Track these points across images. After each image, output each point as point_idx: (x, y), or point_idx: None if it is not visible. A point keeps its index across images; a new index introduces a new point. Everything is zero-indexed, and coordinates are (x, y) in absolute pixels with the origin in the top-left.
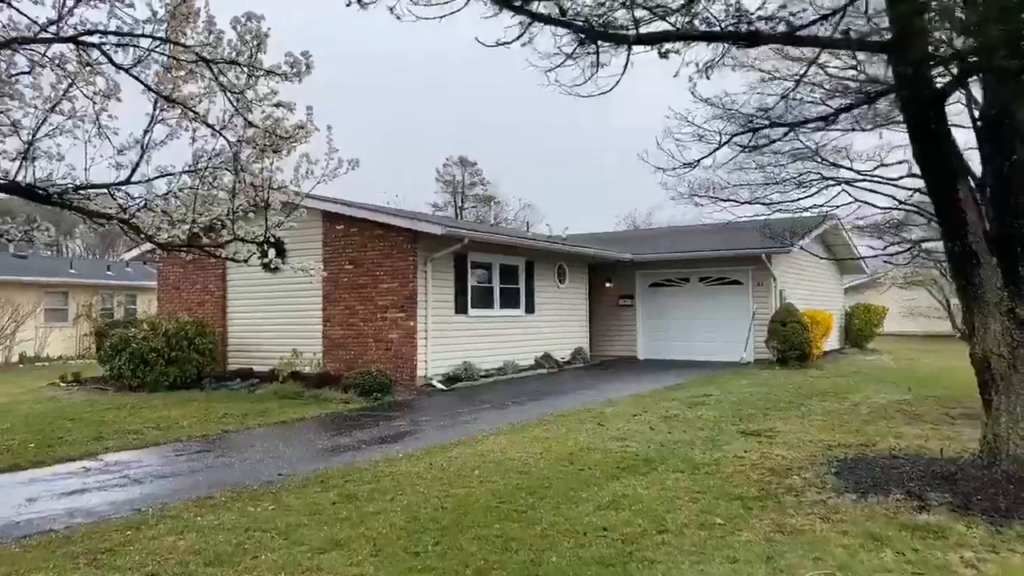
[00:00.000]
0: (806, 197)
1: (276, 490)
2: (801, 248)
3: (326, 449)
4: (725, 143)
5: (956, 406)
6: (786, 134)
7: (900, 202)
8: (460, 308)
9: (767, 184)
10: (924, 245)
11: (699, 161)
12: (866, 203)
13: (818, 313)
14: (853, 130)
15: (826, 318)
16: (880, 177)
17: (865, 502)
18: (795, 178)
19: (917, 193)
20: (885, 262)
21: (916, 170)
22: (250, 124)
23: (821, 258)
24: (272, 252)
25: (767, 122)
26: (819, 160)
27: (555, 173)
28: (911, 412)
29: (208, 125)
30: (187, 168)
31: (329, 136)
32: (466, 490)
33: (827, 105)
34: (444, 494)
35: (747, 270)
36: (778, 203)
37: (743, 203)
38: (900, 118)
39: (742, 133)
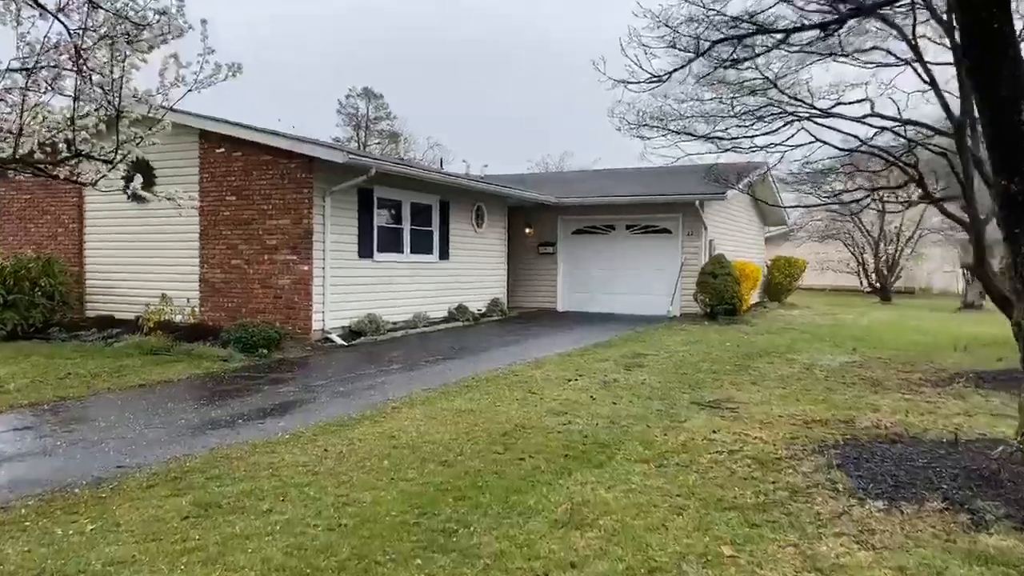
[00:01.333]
0: (766, 133)
1: (106, 494)
2: (741, 191)
3: (191, 426)
4: (705, 52)
5: (911, 370)
6: (779, 43)
7: (862, 141)
8: (364, 252)
9: (724, 117)
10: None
11: (671, 74)
12: (826, 143)
13: (747, 265)
14: (832, 55)
15: (754, 270)
16: (842, 115)
17: (901, 514)
18: (754, 111)
19: (878, 133)
20: (830, 211)
21: (880, 108)
22: (95, 5)
23: (770, 204)
24: (138, 179)
25: (753, 28)
26: (778, 90)
27: (468, 111)
28: (870, 378)
29: (38, 4)
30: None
31: (204, 33)
32: (372, 493)
33: (833, 7)
34: (343, 501)
35: (677, 218)
36: (736, 139)
37: (700, 137)
38: (884, 44)
39: (724, 40)
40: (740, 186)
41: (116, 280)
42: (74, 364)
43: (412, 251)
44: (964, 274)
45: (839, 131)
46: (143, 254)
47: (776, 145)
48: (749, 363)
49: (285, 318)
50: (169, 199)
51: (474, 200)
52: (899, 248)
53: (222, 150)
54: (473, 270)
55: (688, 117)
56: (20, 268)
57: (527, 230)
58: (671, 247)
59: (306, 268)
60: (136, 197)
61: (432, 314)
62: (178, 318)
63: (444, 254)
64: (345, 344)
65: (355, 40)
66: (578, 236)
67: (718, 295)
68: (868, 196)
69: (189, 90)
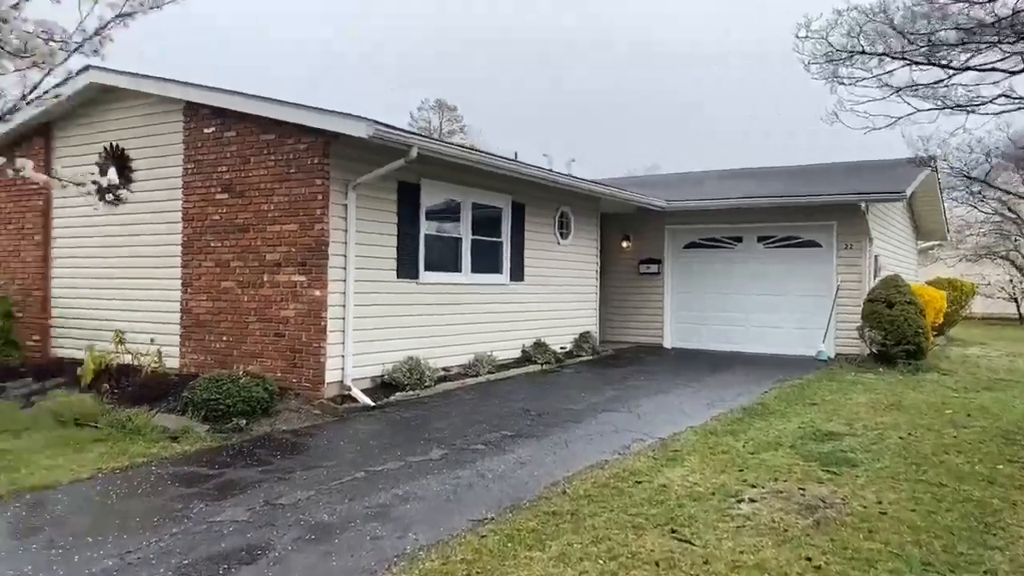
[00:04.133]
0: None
1: None
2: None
3: None
4: None
5: None
6: None
7: None
8: (406, 270)
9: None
10: None
11: None
12: None
13: (926, 290)
14: None
15: (936, 297)
16: None
17: None
18: None
19: None
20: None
21: None
22: None
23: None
24: (112, 172)
25: None
26: None
27: (542, 117)
28: None
29: None
30: None
31: None
32: None
33: None
34: None
35: (830, 227)
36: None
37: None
38: None
39: None
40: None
41: (88, 309)
42: None
43: (473, 269)
44: None
45: None
46: (113, 274)
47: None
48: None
49: (289, 365)
50: (79, 184)
51: (557, 203)
52: None
53: (212, 129)
54: (556, 295)
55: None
56: None
57: (624, 243)
58: (821, 265)
59: (319, 293)
60: (105, 196)
61: (499, 355)
62: (146, 363)
63: (517, 274)
64: (372, 405)
65: (427, 51)
66: (691, 251)
67: (896, 331)
68: None
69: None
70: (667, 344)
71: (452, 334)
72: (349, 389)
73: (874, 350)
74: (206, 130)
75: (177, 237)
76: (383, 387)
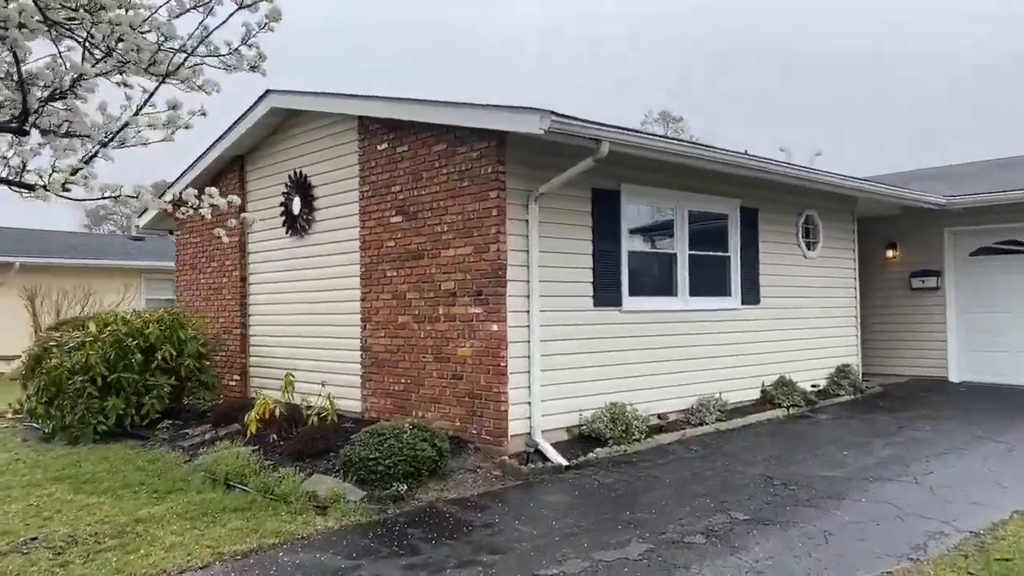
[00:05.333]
0: None
1: None
2: None
3: None
4: None
5: None
6: None
7: None
8: (605, 296)
9: None
10: None
11: None
12: None
13: None
14: None
15: None
16: None
17: None
18: None
19: None
20: None
21: None
22: None
23: None
24: (296, 201)
25: None
26: None
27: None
28: None
29: None
30: None
31: None
32: None
33: None
34: None
35: None
36: None
37: None
38: None
39: None
40: None
41: (276, 347)
42: (94, 497)
43: (692, 292)
44: None
45: None
46: (300, 310)
47: None
48: None
49: (468, 413)
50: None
51: (800, 206)
52: None
53: (384, 145)
54: (802, 320)
55: None
56: (132, 334)
57: (889, 252)
58: None
59: (496, 328)
60: (293, 227)
61: (730, 397)
62: (325, 406)
63: (750, 296)
64: (564, 465)
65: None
66: (982, 258)
67: None
68: None
69: None
70: (953, 377)
71: (667, 372)
72: (537, 444)
73: None
74: (379, 147)
75: (356, 268)
76: (582, 440)
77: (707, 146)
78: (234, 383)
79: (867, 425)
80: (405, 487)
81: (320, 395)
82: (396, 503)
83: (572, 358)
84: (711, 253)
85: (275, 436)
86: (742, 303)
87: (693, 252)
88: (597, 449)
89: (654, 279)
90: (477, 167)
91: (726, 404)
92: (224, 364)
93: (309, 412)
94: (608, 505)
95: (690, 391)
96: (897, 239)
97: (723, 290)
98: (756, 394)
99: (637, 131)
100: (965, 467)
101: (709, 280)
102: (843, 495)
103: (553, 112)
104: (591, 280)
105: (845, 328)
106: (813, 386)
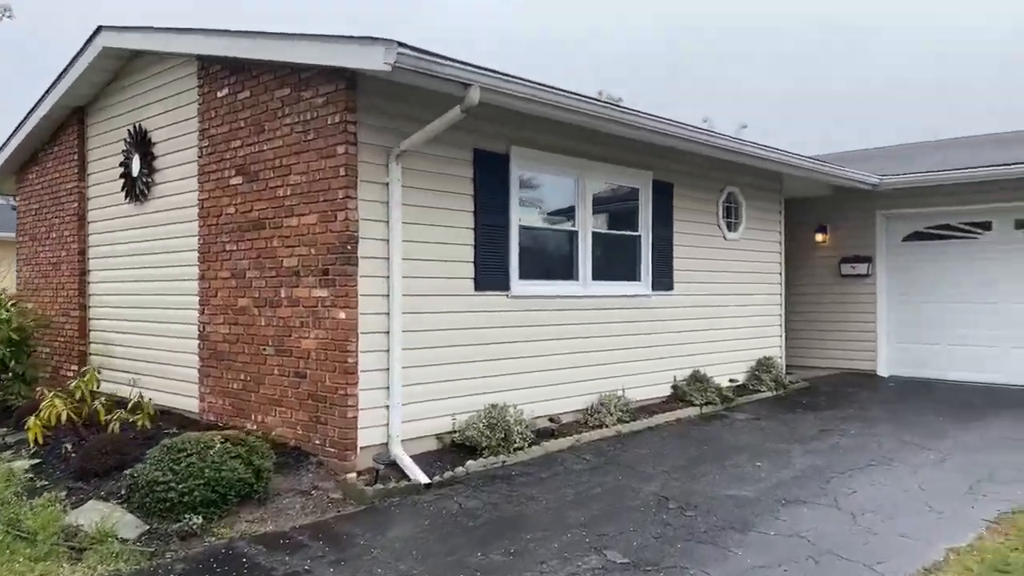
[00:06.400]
0: None
1: None
2: None
3: None
4: None
5: None
6: None
7: None
8: (490, 278)
9: None
10: None
11: None
12: None
13: None
14: None
15: None
16: None
17: None
18: None
19: None
20: None
21: None
22: None
23: None
24: (136, 160)
25: None
26: None
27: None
28: None
29: None
30: None
31: None
32: None
33: None
34: None
35: None
36: None
37: None
38: None
39: None
40: None
41: (118, 334)
42: None
43: (596, 276)
44: None
45: None
46: (135, 290)
47: None
48: None
49: (311, 419)
50: None
51: (722, 182)
52: None
53: (225, 92)
54: (721, 308)
55: None
56: None
57: (817, 236)
58: None
59: (344, 315)
60: (132, 191)
61: (636, 394)
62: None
63: (663, 280)
64: (424, 483)
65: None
66: (914, 244)
67: None
68: None
69: None
70: (882, 371)
71: (563, 367)
72: (393, 458)
73: None
74: (219, 94)
75: (194, 240)
76: (454, 449)
77: (610, 103)
78: (71, 374)
79: (787, 428)
80: (201, 520)
81: (134, 392)
82: (184, 542)
83: (445, 352)
84: (618, 232)
85: (69, 446)
86: (653, 289)
87: (598, 230)
88: (469, 462)
89: (551, 260)
90: (323, 116)
91: (630, 403)
92: (62, 352)
93: (110, 418)
94: (460, 540)
95: (590, 388)
96: (827, 222)
97: (631, 274)
98: (667, 391)
99: (519, 77)
100: (893, 484)
101: (615, 263)
102: (749, 524)
103: (401, 43)
104: (472, 260)
105: (768, 317)
106: (731, 381)
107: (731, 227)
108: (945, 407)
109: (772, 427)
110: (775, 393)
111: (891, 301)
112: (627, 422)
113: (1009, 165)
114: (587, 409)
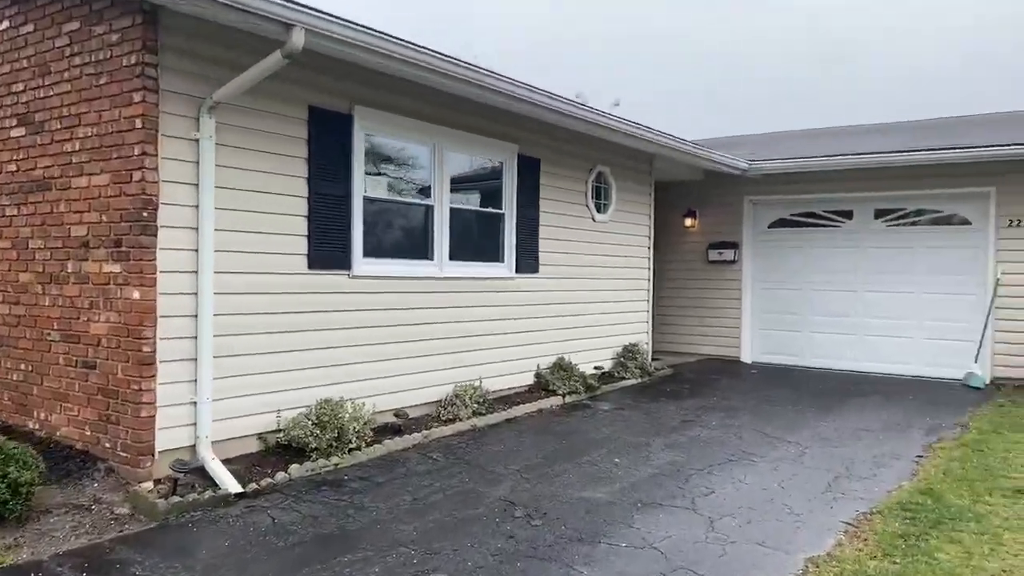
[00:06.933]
0: None
1: None
2: None
3: None
4: None
5: None
6: None
7: None
8: (326, 255)
9: None
10: None
11: None
12: None
13: None
14: None
15: None
16: None
17: None
18: None
19: None
20: None
21: None
22: None
23: None
24: None
25: None
26: None
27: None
28: None
29: None
30: None
31: None
32: None
33: None
34: None
35: (985, 194)
36: None
37: None
38: None
39: None
40: None
41: None
42: None
43: (453, 256)
44: None
45: None
46: None
47: None
48: None
49: (100, 419)
50: None
51: (591, 160)
52: None
53: (6, 25)
54: (588, 292)
55: None
56: None
57: (687, 221)
58: (969, 250)
59: (138, 296)
60: None
61: (496, 384)
62: None
63: (528, 262)
64: (238, 492)
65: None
66: (780, 231)
67: None
68: None
69: None
70: (746, 357)
71: (414, 355)
72: (201, 462)
73: None
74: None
75: None
76: (280, 451)
77: (468, 63)
78: None
79: (649, 418)
80: None
81: None
82: None
83: (270, 339)
84: (481, 209)
85: None
86: (517, 271)
87: (458, 206)
88: (294, 466)
89: (403, 238)
90: (118, 56)
91: (487, 394)
92: None
93: None
94: (262, 566)
95: (445, 378)
96: (697, 207)
97: (494, 255)
98: (530, 379)
99: (355, 23)
100: (752, 482)
101: (477, 242)
102: (600, 534)
103: None
104: (305, 233)
105: (636, 303)
106: (597, 368)
107: (600, 208)
108: (805, 396)
109: (634, 418)
110: (640, 380)
111: (756, 288)
112: (484, 415)
113: (864, 154)
114: (441, 401)
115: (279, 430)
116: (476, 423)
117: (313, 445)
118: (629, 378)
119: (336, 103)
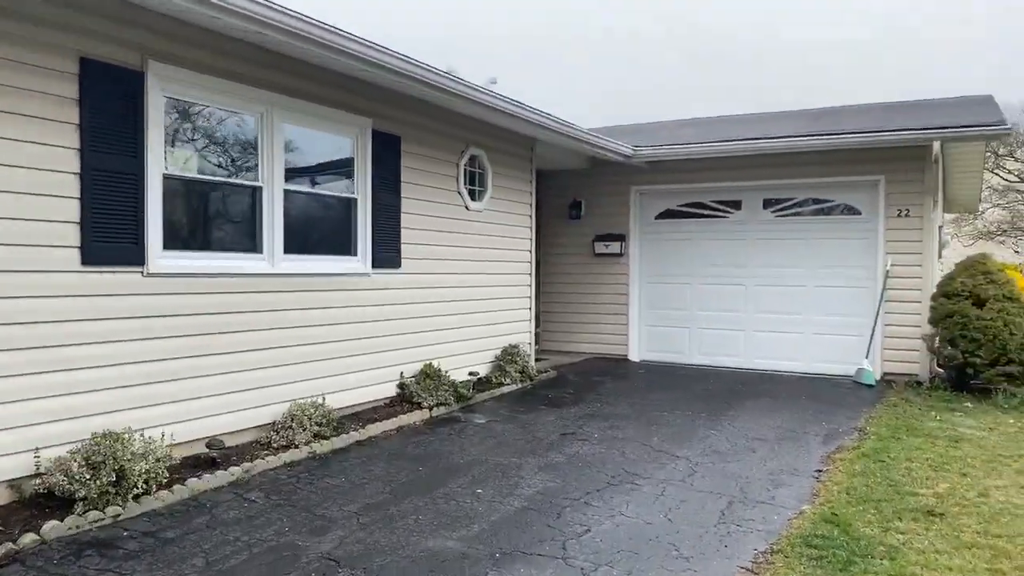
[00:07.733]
0: None
1: None
2: None
3: None
4: None
5: None
6: None
7: None
8: (108, 248)
9: None
10: None
11: None
12: None
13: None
14: None
15: None
16: None
17: None
18: None
19: None
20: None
21: None
22: None
23: None
24: None
25: None
26: None
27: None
28: None
29: None
30: None
31: None
32: None
33: None
34: None
35: (874, 183)
36: None
37: None
38: None
39: None
40: None
41: None
42: None
43: (291, 248)
44: None
45: None
46: None
47: None
48: None
49: None
50: None
51: (463, 141)
52: None
53: None
54: (461, 289)
55: None
56: None
57: (572, 212)
58: (859, 241)
59: None
60: None
61: (348, 398)
62: None
63: (388, 257)
64: None
65: None
66: (668, 222)
67: (993, 343)
68: None
69: None
70: (634, 356)
71: (233, 371)
72: None
73: (951, 372)
74: None
75: None
76: (42, 501)
77: (298, 13)
78: None
79: (525, 433)
80: None
81: None
82: None
83: (28, 356)
84: (326, 193)
85: None
86: (374, 266)
87: (295, 188)
88: (51, 523)
89: (221, 226)
90: None
91: (333, 412)
92: None
93: None
94: None
95: (278, 395)
96: (583, 197)
97: (344, 247)
98: (392, 390)
99: None
100: (635, 513)
101: (322, 233)
102: None
103: None
104: (77, 220)
105: (517, 300)
106: (472, 374)
107: (475, 196)
108: (695, 399)
109: (508, 433)
110: (521, 386)
111: (643, 282)
112: (328, 438)
113: (748, 140)
114: (273, 424)
115: (39, 474)
116: (316, 449)
117: (81, 493)
118: (508, 383)
119: (122, 56)
